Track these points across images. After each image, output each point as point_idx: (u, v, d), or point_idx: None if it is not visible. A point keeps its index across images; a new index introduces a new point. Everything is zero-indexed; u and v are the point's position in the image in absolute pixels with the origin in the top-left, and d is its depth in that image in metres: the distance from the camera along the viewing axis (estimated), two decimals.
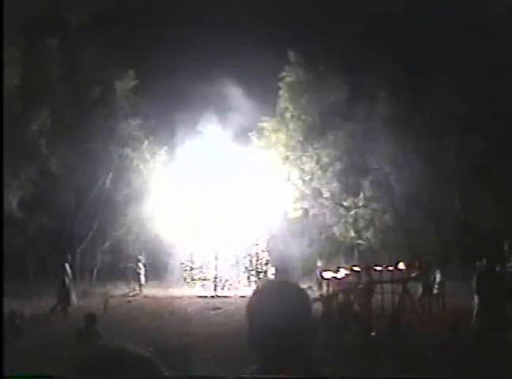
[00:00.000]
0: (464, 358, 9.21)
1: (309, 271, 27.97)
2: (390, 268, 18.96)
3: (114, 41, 27.47)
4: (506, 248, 17.05)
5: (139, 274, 26.62)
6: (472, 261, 14.97)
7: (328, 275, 19.86)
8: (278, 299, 2.04)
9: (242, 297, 22.14)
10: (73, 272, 21.87)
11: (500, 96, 26.71)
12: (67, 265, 21.30)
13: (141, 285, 26.38)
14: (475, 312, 12.22)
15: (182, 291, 25.86)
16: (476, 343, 10.97)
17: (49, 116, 27.10)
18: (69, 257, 23.03)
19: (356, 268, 19.07)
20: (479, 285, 12.16)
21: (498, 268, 13.15)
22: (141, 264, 26.83)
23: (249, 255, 28.04)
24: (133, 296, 25.08)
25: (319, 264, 26.06)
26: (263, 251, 28.27)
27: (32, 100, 26.27)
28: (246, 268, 27.88)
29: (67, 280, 20.60)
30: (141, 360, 1.47)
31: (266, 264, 27.97)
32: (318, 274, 22.70)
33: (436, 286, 18.57)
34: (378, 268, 18.81)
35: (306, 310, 2.10)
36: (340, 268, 19.80)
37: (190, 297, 24.14)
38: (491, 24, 25.36)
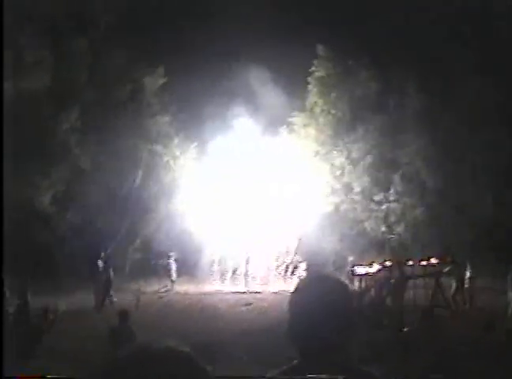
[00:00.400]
0: (498, 356, 9.09)
1: (340, 266, 27.83)
2: (423, 262, 18.81)
3: (141, 39, 27.60)
4: None
5: (170, 270, 26.71)
6: (506, 257, 14.72)
7: (360, 270, 19.82)
8: (321, 293, 2.05)
9: (274, 293, 22.17)
10: (105, 269, 22.15)
11: None
12: (101, 262, 21.58)
13: (172, 281, 26.49)
14: (510, 309, 12.05)
15: (213, 287, 25.94)
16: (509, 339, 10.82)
17: (79, 115, 27.30)
18: (102, 254, 23.34)
19: (388, 263, 18.97)
20: None
21: None
22: (172, 261, 26.92)
23: (280, 250, 28.01)
24: (165, 292, 25.23)
25: (351, 258, 25.92)
26: (294, 246, 28.21)
27: (62, 100, 26.46)
28: (276, 263, 27.85)
29: (104, 276, 20.94)
30: (178, 356, 1.36)
31: (297, 259, 27.90)
32: (350, 269, 22.59)
33: (467, 281, 18.36)
34: (410, 263, 18.69)
35: (349, 305, 2.11)
36: (372, 262, 19.72)
37: (220, 292, 24.22)
38: None
